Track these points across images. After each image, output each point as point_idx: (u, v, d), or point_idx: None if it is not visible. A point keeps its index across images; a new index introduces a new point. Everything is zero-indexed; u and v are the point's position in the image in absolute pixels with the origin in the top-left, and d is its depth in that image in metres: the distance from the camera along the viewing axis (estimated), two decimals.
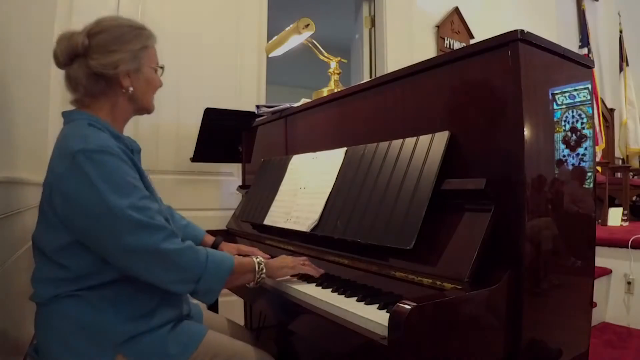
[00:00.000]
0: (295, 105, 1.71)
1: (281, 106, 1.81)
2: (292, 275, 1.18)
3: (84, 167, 0.89)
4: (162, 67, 1.14)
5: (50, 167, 0.96)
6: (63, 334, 0.93)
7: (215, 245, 1.42)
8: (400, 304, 0.72)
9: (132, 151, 1.06)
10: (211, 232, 1.87)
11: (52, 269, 0.95)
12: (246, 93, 2.54)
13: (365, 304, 0.92)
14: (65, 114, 1.04)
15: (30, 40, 1.56)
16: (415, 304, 0.71)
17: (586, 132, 1.05)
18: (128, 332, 0.93)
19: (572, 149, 1.02)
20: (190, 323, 1.07)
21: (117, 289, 0.95)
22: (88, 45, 1.00)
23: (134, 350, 0.93)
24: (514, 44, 0.90)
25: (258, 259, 1.08)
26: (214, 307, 1.84)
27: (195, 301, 1.15)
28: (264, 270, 1.08)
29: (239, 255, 1.31)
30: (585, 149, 1.04)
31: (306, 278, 1.15)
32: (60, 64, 1.03)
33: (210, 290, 0.97)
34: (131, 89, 1.05)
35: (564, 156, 1.00)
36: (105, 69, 1.00)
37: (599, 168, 3.87)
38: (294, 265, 1.14)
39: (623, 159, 4.91)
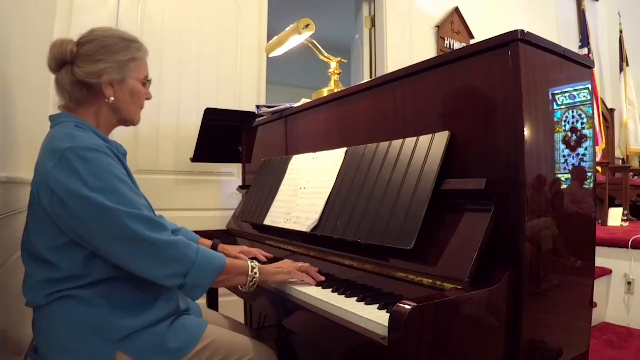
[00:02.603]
0: (295, 105, 1.71)
1: (281, 106, 1.81)
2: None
3: (73, 163, 0.90)
4: (149, 80, 1.14)
5: (37, 166, 0.96)
6: (61, 336, 0.92)
7: (213, 248, 1.40)
8: (400, 304, 0.72)
9: (118, 154, 1.06)
10: (211, 232, 1.87)
11: (43, 270, 0.95)
12: (246, 93, 2.54)
13: (365, 304, 0.92)
14: (52, 117, 1.06)
15: (30, 41, 1.56)
16: (415, 304, 0.71)
17: (586, 132, 1.05)
18: (126, 328, 0.93)
19: (572, 149, 1.02)
20: (190, 317, 1.07)
21: (111, 285, 0.95)
22: (76, 53, 1.03)
23: (133, 346, 0.93)
24: (514, 44, 0.90)
25: (253, 263, 1.07)
26: (213, 306, 1.84)
27: None
28: (257, 275, 1.06)
29: (242, 254, 1.31)
30: (585, 149, 1.04)
31: None
32: (51, 68, 1.05)
33: (197, 285, 0.96)
34: (112, 98, 1.06)
35: (564, 156, 1.00)
36: (88, 77, 1.02)
37: (599, 168, 3.87)
38: (290, 271, 1.10)
39: (623, 159, 4.91)
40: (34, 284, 0.96)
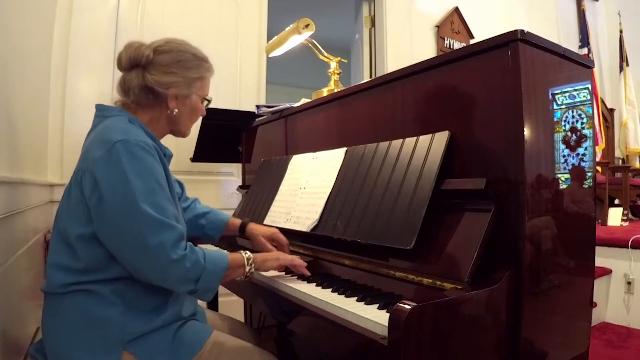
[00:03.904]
0: (295, 105, 1.71)
1: (281, 106, 1.81)
2: (289, 274, 1.20)
3: (120, 156, 0.92)
4: (209, 100, 1.20)
5: (85, 153, 0.98)
6: (71, 327, 0.93)
7: (242, 227, 1.41)
8: (400, 304, 0.72)
9: (164, 155, 1.08)
10: None
11: (65, 254, 0.96)
12: (246, 93, 2.54)
13: (365, 304, 0.92)
14: (102, 107, 1.08)
15: (30, 41, 1.56)
16: (415, 304, 0.71)
17: (586, 132, 1.05)
18: (136, 331, 0.94)
19: (572, 149, 1.02)
20: (196, 323, 1.08)
21: (128, 284, 0.96)
22: (151, 59, 1.06)
23: (140, 348, 0.94)
24: (514, 44, 0.90)
25: (247, 254, 1.10)
26: (213, 306, 1.84)
27: (198, 301, 1.17)
28: (253, 265, 1.09)
29: (271, 243, 1.34)
30: (585, 149, 1.04)
31: (305, 277, 1.15)
32: (121, 67, 1.08)
33: (208, 288, 0.99)
34: (176, 111, 1.10)
35: (564, 156, 1.00)
36: (158, 85, 1.06)
37: (599, 168, 3.87)
38: (279, 258, 1.16)
39: (623, 159, 4.91)
40: (53, 269, 0.96)
